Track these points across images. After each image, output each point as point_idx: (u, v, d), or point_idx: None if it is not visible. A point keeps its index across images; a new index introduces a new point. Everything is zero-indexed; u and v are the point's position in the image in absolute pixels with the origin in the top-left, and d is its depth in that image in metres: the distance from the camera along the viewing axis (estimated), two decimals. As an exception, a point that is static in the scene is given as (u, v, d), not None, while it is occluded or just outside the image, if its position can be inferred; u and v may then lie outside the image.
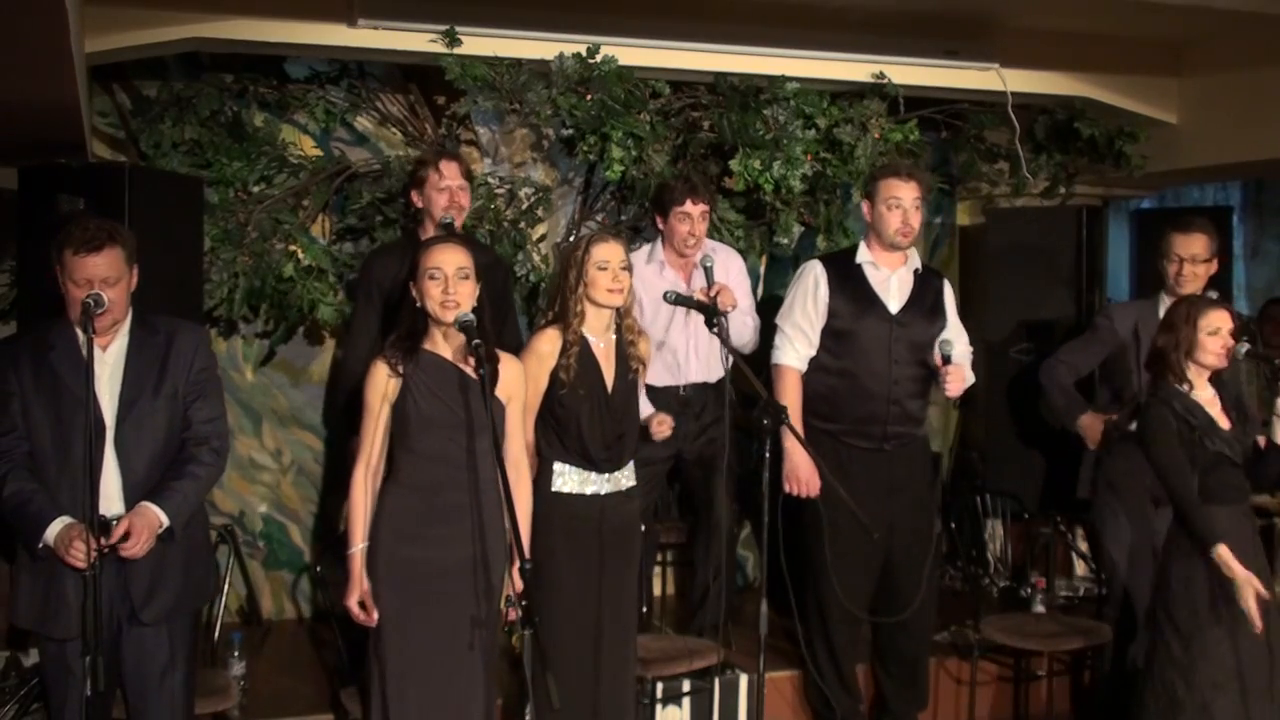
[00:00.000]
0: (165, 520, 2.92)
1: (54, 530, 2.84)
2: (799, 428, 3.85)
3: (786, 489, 3.84)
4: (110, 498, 2.92)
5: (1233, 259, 6.93)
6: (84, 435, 2.79)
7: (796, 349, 3.93)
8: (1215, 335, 3.42)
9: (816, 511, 3.82)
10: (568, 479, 3.39)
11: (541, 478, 3.40)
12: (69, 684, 2.92)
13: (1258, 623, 3.24)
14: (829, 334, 3.91)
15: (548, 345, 3.37)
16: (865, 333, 3.88)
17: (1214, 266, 4.05)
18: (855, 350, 3.88)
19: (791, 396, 3.90)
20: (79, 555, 2.78)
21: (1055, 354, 4.32)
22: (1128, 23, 4.85)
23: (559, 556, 3.36)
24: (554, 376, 3.35)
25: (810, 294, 3.92)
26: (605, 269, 3.33)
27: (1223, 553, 3.30)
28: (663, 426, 3.61)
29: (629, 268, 3.38)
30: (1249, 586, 3.25)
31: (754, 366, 3.64)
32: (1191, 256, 3.97)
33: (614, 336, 3.43)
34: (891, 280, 3.92)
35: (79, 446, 2.87)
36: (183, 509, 2.98)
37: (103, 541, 2.80)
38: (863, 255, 3.95)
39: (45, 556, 2.86)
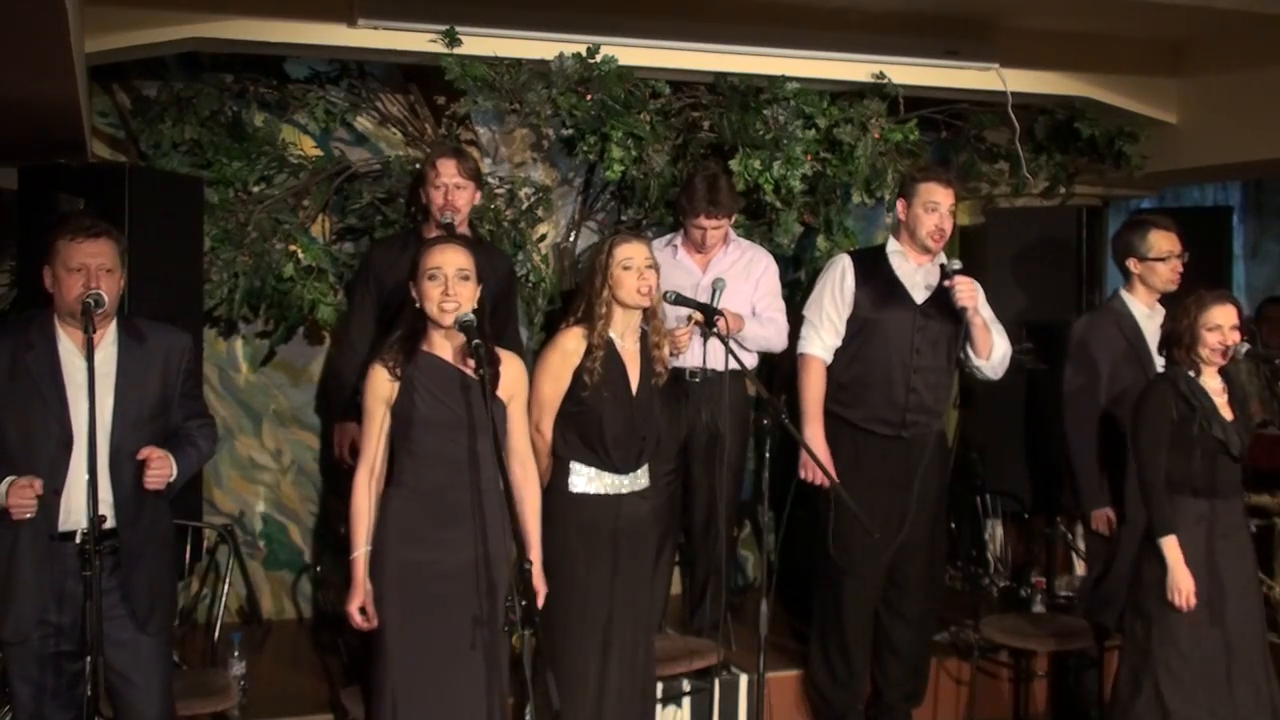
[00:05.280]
0: (175, 471, 2.94)
1: (1, 490, 2.81)
2: (820, 418, 3.91)
3: (801, 475, 3.87)
4: (101, 507, 2.87)
5: (1233, 259, 6.91)
6: (86, 436, 2.78)
7: (823, 338, 3.97)
8: (1214, 331, 3.45)
9: (833, 506, 3.84)
10: (584, 479, 3.39)
11: (558, 477, 3.40)
12: (33, 688, 2.91)
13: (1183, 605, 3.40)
14: (854, 322, 3.97)
15: (573, 343, 3.37)
16: (889, 321, 3.93)
17: None
18: (878, 338, 3.93)
19: (816, 386, 3.95)
20: (20, 504, 2.77)
21: (1074, 402, 4.10)
22: (1128, 23, 4.85)
23: (576, 556, 3.36)
24: (577, 376, 3.35)
25: (837, 284, 3.98)
26: (630, 268, 3.33)
27: (1170, 544, 3.42)
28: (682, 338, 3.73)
29: (654, 266, 3.39)
30: (1182, 586, 3.38)
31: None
32: (1181, 252, 4.02)
33: (640, 339, 3.43)
34: (918, 273, 3.97)
35: (45, 453, 2.86)
36: (185, 472, 3.02)
37: (97, 546, 2.78)
38: (892, 246, 4.02)
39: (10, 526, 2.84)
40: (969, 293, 3.83)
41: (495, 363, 3.03)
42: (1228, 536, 3.50)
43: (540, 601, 3.11)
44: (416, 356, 3.08)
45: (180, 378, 3.07)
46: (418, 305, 3.07)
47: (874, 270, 3.98)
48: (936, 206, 3.89)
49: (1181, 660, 3.44)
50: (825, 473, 3.69)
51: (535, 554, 3.18)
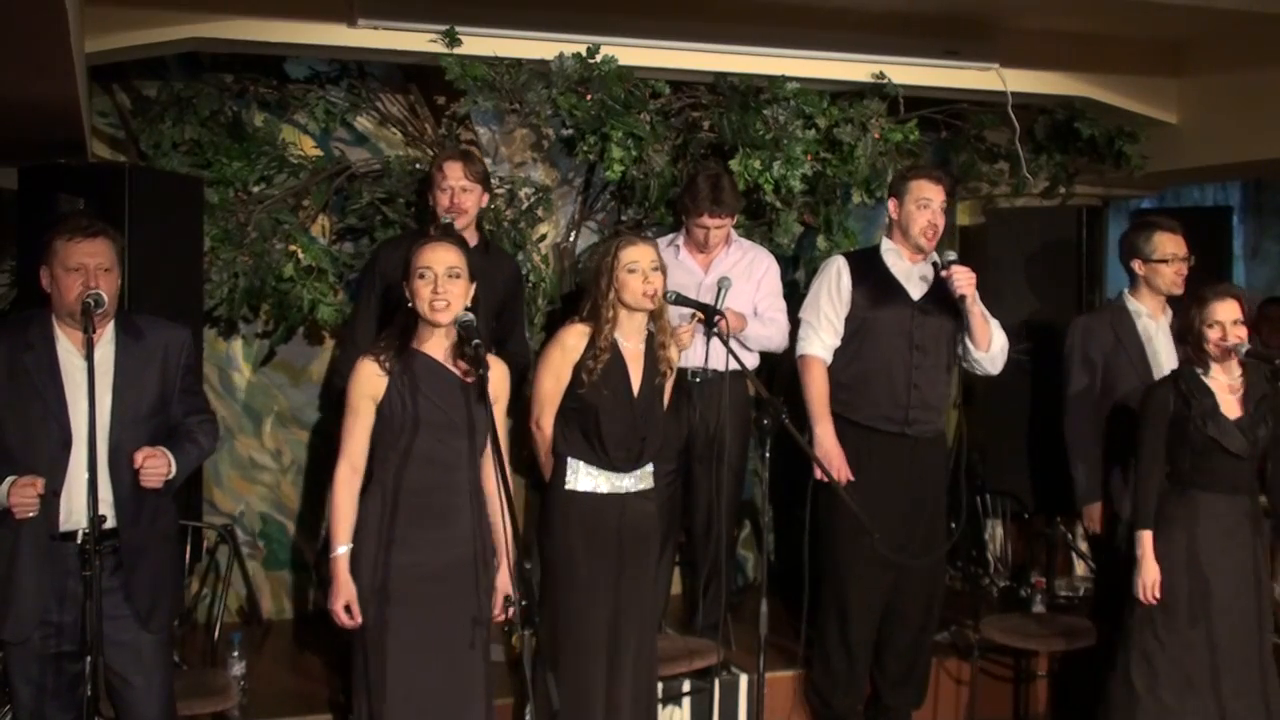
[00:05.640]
0: (174, 468, 2.93)
1: (3, 489, 2.81)
2: (829, 416, 3.91)
3: (818, 476, 3.85)
4: (102, 507, 2.86)
5: (1233, 259, 6.91)
6: (86, 436, 2.78)
7: (822, 339, 3.97)
8: (1214, 328, 3.48)
9: (837, 507, 3.83)
10: (583, 477, 3.38)
11: (557, 475, 3.39)
12: (34, 688, 2.90)
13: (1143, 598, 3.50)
14: (851, 321, 3.97)
15: (574, 339, 3.37)
16: (887, 319, 3.93)
17: None
18: (877, 336, 3.94)
19: (820, 385, 3.95)
20: (22, 502, 2.77)
21: (1070, 406, 4.14)
22: (1128, 23, 4.85)
23: (578, 555, 3.35)
24: (576, 373, 3.34)
25: (833, 285, 3.98)
26: (635, 271, 3.33)
27: (1143, 538, 3.50)
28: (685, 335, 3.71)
29: (660, 268, 3.38)
30: (1144, 580, 3.47)
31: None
32: (1186, 255, 4.02)
33: (645, 339, 3.43)
34: (913, 271, 3.98)
35: (45, 453, 2.85)
36: (185, 468, 3.01)
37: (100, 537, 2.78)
38: (886, 246, 4.03)
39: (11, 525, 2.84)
40: (966, 281, 3.82)
41: (488, 365, 3.01)
42: (1227, 535, 3.49)
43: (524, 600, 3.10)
44: (408, 355, 3.05)
45: (179, 373, 3.06)
46: (410, 304, 3.06)
47: (869, 269, 3.99)
48: (928, 203, 3.90)
49: (1156, 645, 3.50)
50: (824, 472, 3.69)
51: (510, 554, 3.15)
